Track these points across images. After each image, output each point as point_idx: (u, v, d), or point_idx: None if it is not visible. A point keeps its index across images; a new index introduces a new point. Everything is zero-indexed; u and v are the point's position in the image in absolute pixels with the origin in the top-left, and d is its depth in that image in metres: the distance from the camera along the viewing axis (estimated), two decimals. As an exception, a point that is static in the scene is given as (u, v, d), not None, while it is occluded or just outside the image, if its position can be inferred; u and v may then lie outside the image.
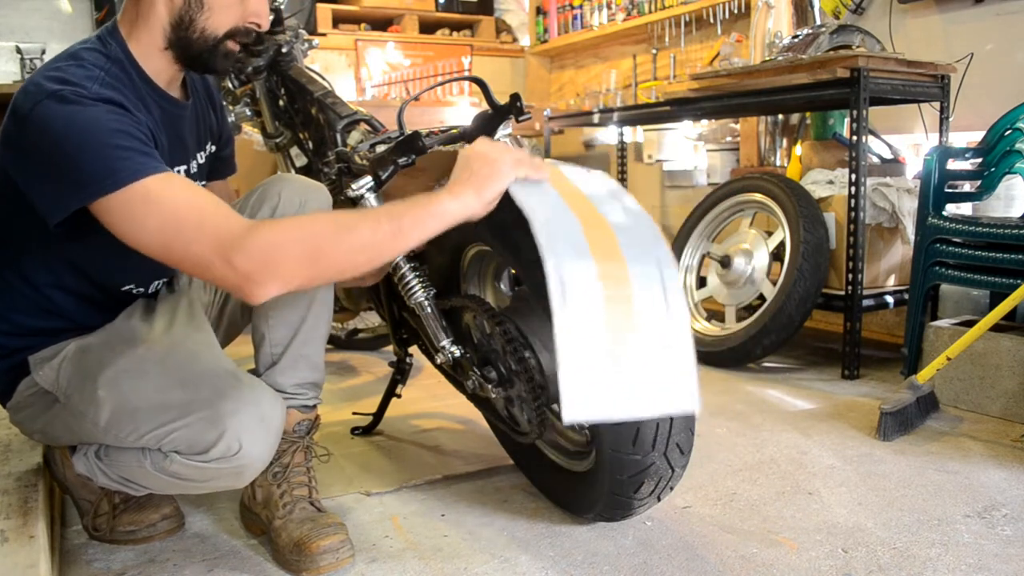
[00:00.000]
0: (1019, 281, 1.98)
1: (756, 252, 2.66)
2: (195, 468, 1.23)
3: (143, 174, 1.11)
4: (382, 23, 4.76)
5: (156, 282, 1.46)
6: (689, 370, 1.14)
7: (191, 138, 1.42)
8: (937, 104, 2.65)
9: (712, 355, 2.63)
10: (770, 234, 2.65)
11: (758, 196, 2.68)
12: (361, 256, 1.13)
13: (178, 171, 1.36)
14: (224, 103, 1.71)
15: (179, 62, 1.32)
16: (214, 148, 1.54)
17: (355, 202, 1.42)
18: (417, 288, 1.45)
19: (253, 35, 1.35)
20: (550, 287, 1.08)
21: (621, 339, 1.10)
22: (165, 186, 1.13)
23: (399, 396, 1.98)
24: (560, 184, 1.23)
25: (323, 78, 1.99)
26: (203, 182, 1.48)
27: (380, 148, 1.60)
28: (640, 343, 1.11)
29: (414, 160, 1.42)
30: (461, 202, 1.15)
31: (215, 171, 1.58)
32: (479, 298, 1.48)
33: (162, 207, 1.11)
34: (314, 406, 1.49)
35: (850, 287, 2.44)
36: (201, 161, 1.46)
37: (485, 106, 1.48)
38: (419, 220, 1.13)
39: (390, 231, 1.12)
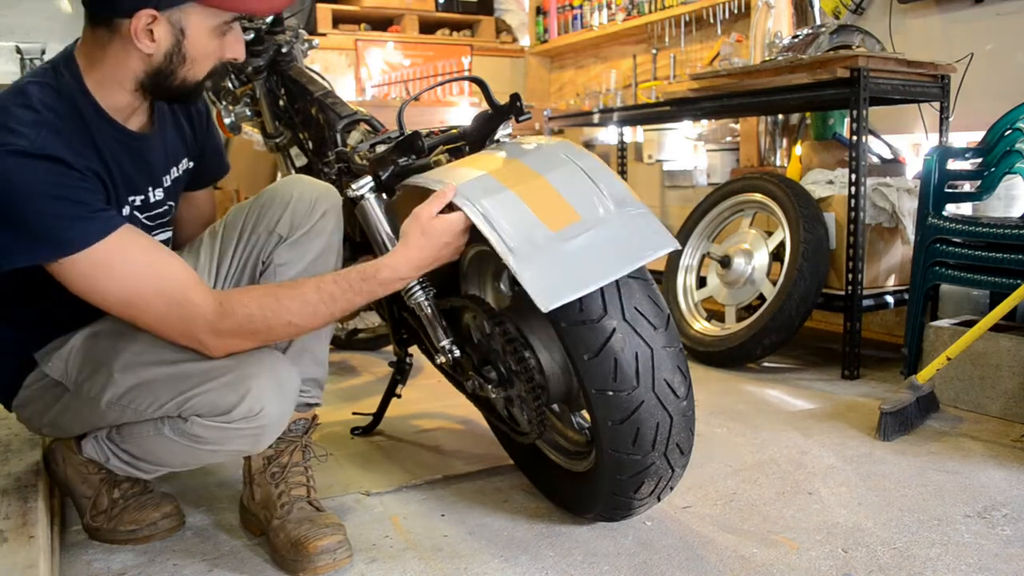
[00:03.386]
0: (1019, 281, 1.98)
1: (756, 252, 2.66)
2: (216, 429, 1.25)
3: (90, 241, 1.17)
4: (382, 23, 4.77)
5: None
6: (647, 217, 1.30)
7: (156, 163, 1.40)
8: (937, 104, 2.65)
9: (712, 355, 2.63)
10: (770, 234, 2.65)
11: (758, 196, 2.68)
12: (303, 325, 1.29)
13: (133, 200, 1.35)
14: (211, 106, 1.70)
15: (151, 97, 1.33)
16: (191, 164, 1.51)
17: (355, 202, 1.42)
18: (417, 288, 1.45)
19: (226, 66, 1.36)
20: (481, 229, 1.23)
21: (564, 228, 1.25)
22: (120, 251, 1.19)
23: (399, 396, 1.98)
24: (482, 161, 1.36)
25: (323, 78, 1.99)
26: (171, 203, 1.46)
27: (380, 148, 1.60)
28: (586, 223, 1.26)
29: (414, 160, 1.42)
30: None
31: (196, 182, 1.56)
32: (479, 298, 1.48)
33: (120, 275, 1.20)
34: (313, 405, 1.49)
35: (850, 287, 2.44)
36: (167, 184, 1.43)
37: (485, 106, 1.48)
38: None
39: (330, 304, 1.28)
